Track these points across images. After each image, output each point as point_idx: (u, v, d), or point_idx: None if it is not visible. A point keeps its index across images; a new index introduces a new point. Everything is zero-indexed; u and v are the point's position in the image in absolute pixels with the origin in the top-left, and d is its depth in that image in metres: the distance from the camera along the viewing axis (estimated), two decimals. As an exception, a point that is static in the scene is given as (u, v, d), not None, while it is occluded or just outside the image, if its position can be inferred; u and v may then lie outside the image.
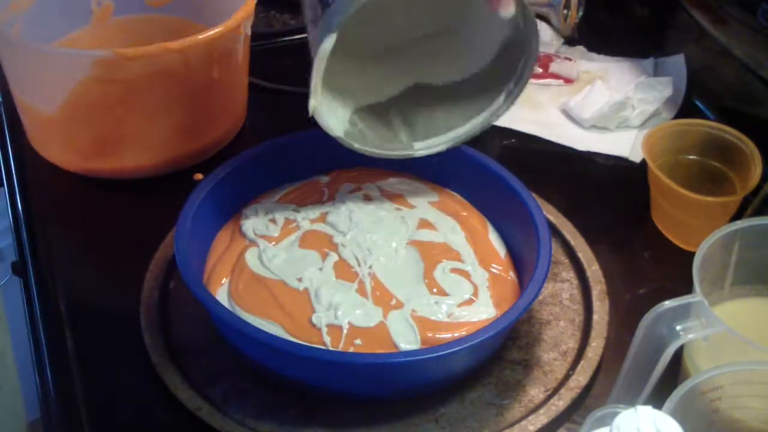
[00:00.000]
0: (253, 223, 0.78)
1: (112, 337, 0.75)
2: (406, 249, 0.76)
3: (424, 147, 0.78)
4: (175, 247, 0.71)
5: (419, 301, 0.71)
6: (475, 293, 0.72)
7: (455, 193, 0.83)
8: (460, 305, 0.71)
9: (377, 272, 0.73)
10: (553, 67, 1.08)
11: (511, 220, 0.79)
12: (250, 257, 0.74)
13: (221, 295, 0.72)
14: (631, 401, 0.63)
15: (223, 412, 0.67)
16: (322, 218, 0.78)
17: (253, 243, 0.76)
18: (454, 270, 0.74)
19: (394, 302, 0.71)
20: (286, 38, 1.14)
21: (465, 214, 0.81)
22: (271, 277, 0.73)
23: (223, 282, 0.73)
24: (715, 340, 0.61)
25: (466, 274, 0.74)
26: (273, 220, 0.78)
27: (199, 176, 0.88)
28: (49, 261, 0.82)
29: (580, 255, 0.82)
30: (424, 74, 0.80)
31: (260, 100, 1.01)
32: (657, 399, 0.56)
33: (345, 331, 0.68)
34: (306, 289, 0.71)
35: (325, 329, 0.68)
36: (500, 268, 0.76)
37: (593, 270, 0.80)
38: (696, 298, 0.60)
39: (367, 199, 0.80)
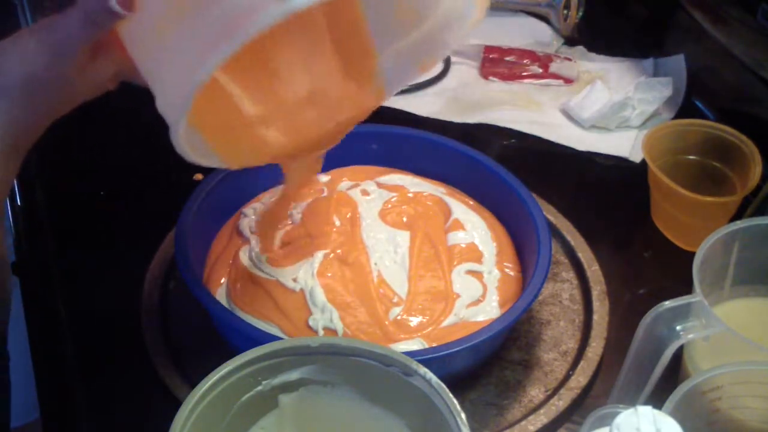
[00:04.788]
0: (250, 222, 0.78)
1: (112, 337, 0.75)
2: (418, 248, 0.75)
3: None
4: (175, 247, 0.71)
5: (423, 300, 0.71)
6: (483, 294, 0.72)
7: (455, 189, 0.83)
8: (468, 306, 0.71)
9: (382, 271, 0.73)
10: (553, 67, 1.08)
11: (511, 220, 0.79)
12: (243, 255, 0.74)
13: (220, 295, 0.72)
14: (631, 401, 0.63)
15: (223, 412, 0.67)
16: None
17: (247, 241, 0.76)
18: (469, 272, 0.74)
19: (396, 300, 0.71)
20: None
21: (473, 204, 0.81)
22: (264, 276, 0.72)
23: (221, 282, 0.73)
24: (715, 340, 0.61)
25: (479, 276, 0.74)
26: (271, 218, 0.78)
27: (199, 176, 0.88)
28: (49, 261, 0.82)
29: (580, 255, 0.82)
30: None
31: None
32: (657, 399, 0.56)
33: (340, 335, 0.68)
34: (302, 290, 0.71)
35: (321, 332, 0.68)
36: (510, 265, 0.76)
37: (593, 270, 0.80)
38: (696, 298, 0.60)
39: (365, 194, 0.80)
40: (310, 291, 0.70)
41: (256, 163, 0.64)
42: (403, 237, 0.75)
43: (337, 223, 0.76)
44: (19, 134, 0.54)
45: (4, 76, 0.53)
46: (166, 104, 0.53)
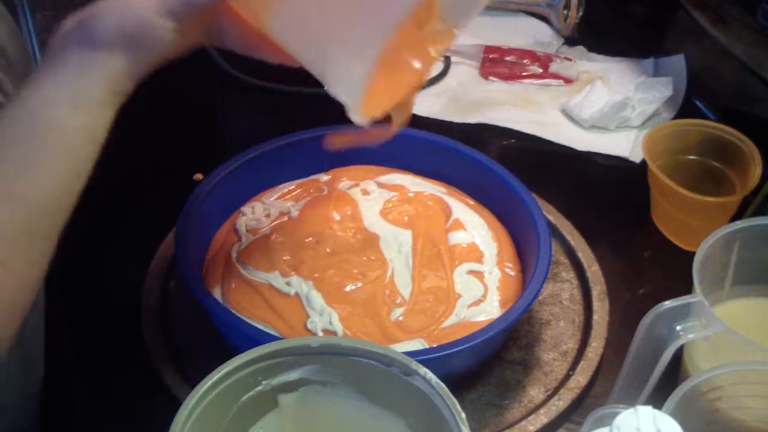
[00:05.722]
0: (247, 220, 0.78)
1: (112, 338, 0.75)
2: (421, 247, 0.75)
3: None
4: (175, 247, 0.71)
5: (426, 300, 0.71)
6: (485, 294, 0.72)
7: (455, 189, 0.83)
8: (469, 306, 0.71)
9: (395, 269, 0.73)
10: (553, 67, 1.08)
11: (511, 220, 0.79)
12: (234, 254, 0.74)
13: (216, 295, 0.72)
14: (631, 401, 0.63)
15: (223, 412, 0.67)
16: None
17: (240, 239, 0.76)
18: (470, 272, 0.74)
19: (399, 300, 0.71)
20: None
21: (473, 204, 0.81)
22: (254, 279, 0.72)
23: (218, 281, 0.73)
24: (715, 340, 0.61)
25: (480, 276, 0.74)
26: (268, 215, 0.78)
27: (199, 176, 0.88)
28: (49, 261, 0.82)
29: (580, 255, 0.82)
30: None
31: (260, 100, 1.01)
32: (657, 399, 0.56)
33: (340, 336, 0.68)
34: (297, 294, 0.70)
35: (320, 334, 0.68)
36: (511, 265, 0.76)
37: (593, 270, 0.80)
38: (696, 298, 0.60)
39: (365, 193, 0.80)
40: (306, 296, 0.70)
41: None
42: (406, 236, 0.75)
43: (337, 217, 0.76)
44: (115, 85, 0.55)
45: (103, 29, 0.54)
46: (343, 74, 0.57)
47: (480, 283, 0.73)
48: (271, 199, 0.80)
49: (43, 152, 0.53)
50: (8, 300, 0.51)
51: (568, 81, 1.07)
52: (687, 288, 0.62)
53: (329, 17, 0.57)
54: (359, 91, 0.57)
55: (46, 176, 0.53)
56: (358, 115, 0.58)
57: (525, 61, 1.08)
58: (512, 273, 0.75)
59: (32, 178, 0.52)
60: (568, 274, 0.81)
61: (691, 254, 0.64)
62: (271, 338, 0.66)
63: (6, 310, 0.51)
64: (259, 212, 0.79)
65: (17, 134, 0.52)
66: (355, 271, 0.72)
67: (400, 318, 0.69)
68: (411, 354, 0.61)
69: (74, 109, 0.53)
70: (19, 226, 0.52)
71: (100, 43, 0.54)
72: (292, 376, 0.55)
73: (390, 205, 0.78)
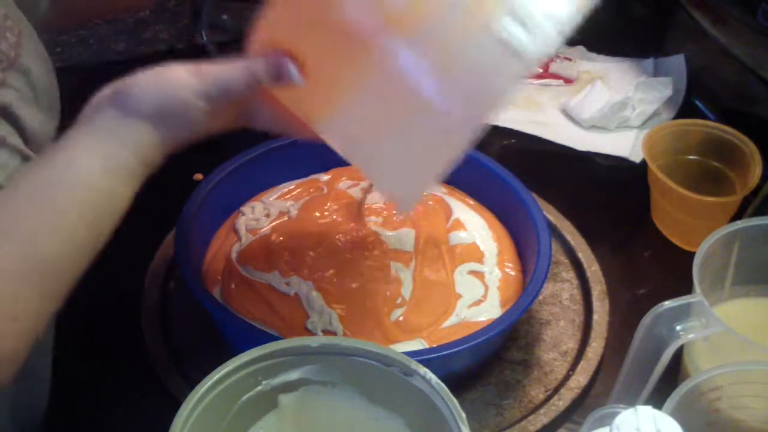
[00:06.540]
0: (247, 220, 0.78)
1: (112, 338, 0.75)
2: (423, 247, 0.75)
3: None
4: (175, 247, 0.71)
5: (426, 301, 0.71)
6: (485, 294, 0.72)
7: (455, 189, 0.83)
8: (469, 306, 0.71)
9: (397, 269, 0.73)
10: (553, 67, 1.08)
11: (511, 220, 0.79)
12: (234, 254, 0.74)
13: (216, 294, 0.72)
14: (631, 401, 0.63)
15: (223, 412, 0.67)
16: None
17: (240, 239, 0.76)
18: (471, 272, 0.74)
19: (399, 301, 0.71)
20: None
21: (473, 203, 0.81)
22: (254, 279, 0.72)
23: (218, 281, 0.73)
24: (715, 340, 0.61)
25: (480, 276, 0.74)
26: (268, 215, 0.78)
27: (199, 176, 0.88)
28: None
29: (580, 255, 0.82)
30: None
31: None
32: (657, 399, 0.56)
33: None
34: (296, 294, 0.70)
35: (320, 335, 0.68)
36: (511, 265, 0.76)
37: (593, 270, 0.80)
38: (696, 298, 0.60)
39: (365, 192, 0.80)
40: (306, 296, 0.70)
41: None
42: (407, 236, 0.75)
43: (337, 217, 0.76)
44: (145, 156, 0.56)
45: (140, 102, 0.55)
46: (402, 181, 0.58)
47: (480, 283, 0.73)
48: (271, 198, 0.80)
49: (68, 212, 0.53)
50: (13, 343, 0.51)
51: (568, 81, 1.07)
52: (687, 288, 0.62)
53: (391, 137, 0.56)
54: (415, 202, 0.60)
55: (66, 236, 0.53)
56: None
57: (525, 61, 1.08)
58: (512, 273, 0.75)
59: (52, 237, 0.52)
60: (568, 274, 0.81)
61: (691, 254, 0.64)
62: (271, 338, 0.66)
63: (11, 351, 0.51)
64: (259, 212, 0.79)
65: (46, 190, 0.52)
66: (355, 271, 0.72)
67: (400, 318, 0.69)
68: (411, 354, 0.61)
69: (105, 173, 0.54)
70: (33, 283, 0.52)
71: (136, 115, 0.55)
72: (292, 376, 0.55)
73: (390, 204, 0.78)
